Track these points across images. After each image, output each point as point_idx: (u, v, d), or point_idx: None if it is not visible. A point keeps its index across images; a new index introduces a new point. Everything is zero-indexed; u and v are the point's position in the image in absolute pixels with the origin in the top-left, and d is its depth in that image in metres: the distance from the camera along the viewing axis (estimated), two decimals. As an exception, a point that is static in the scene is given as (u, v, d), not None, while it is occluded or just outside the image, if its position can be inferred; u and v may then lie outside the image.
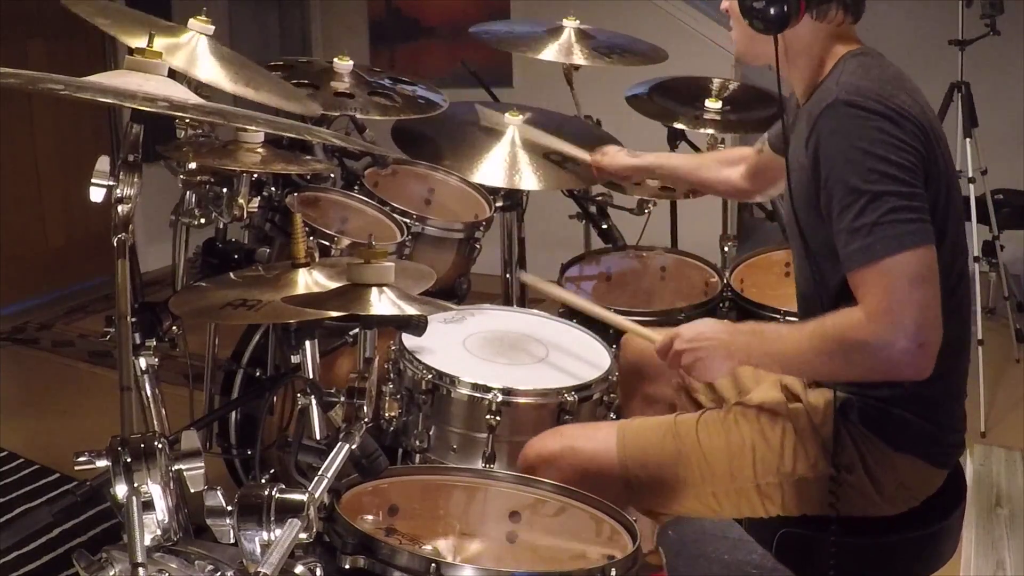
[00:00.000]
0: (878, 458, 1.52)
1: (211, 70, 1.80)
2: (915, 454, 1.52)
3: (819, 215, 1.46)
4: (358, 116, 2.28)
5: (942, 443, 1.56)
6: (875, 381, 1.47)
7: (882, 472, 1.52)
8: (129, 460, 1.02)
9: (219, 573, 1.20)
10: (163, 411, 1.71)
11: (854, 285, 1.38)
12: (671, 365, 1.59)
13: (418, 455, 1.82)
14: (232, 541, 1.12)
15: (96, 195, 1.13)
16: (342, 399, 1.37)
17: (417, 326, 1.50)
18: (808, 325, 1.43)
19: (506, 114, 2.42)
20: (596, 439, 1.64)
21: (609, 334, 2.16)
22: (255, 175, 1.94)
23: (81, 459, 1.06)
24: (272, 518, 1.11)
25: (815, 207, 1.46)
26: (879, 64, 1.48)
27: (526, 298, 2.75)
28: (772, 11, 1.43)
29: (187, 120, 1.94)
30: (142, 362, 1.62)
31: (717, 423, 1.62)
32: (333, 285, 1.49)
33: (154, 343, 1.63)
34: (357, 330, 1.57)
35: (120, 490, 1.03)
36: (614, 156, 2.27)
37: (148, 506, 1.05)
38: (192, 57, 1.79)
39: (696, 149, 2.75)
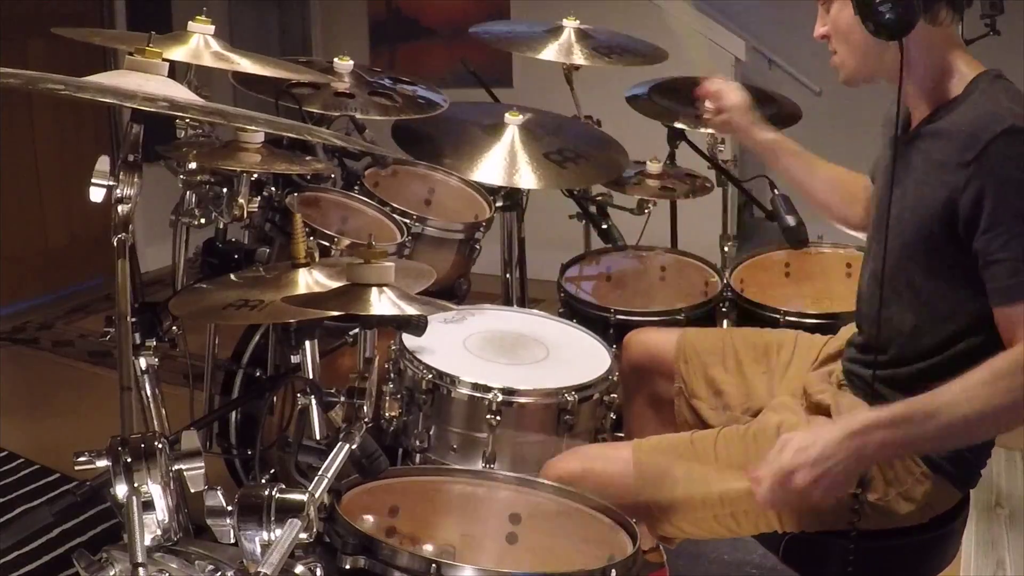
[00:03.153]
0: (916, 478, 1.49)
1: (243, 61, 1.82)
2: (948, 476, 1.50)
3: (951, 239, 1.39)
4: (358, 116, 2.28)
5: (974, 466, 1.54)
6: None
7: (914, 491, 1.49)
8: (129, 460, 1.03)
9: (219, 573, 1.20)
10: (163, 411, 1.71)
11: (1010, 318, 1.32)
12: (790, 499, 1.37)
13: (418, 455, 1.81)
14: (232, 541, 1.13)
15: (96, 195, 1.13)
16: (342, 399, 1.37)
17: (417, 326, 1.51)
18: (966, 377, 1.30)
19: (506, 114, 2.41)
20: (615, 461, 1.61)
21: (609, 334, 2.17)
22: (255, 175, 1.94)
23: (81, 459, 1.06)
24: (272, 518, 1.11)
25: (949, 232, 1.39)
26: (1013, 85, 1.44)
27: (526, 298, 2.75)
28: (890, 16, 1.36)
29: (187, 120, 1.94)
30: (142, 362, 1.62)
31: (736, 442, 1.59)
32: (333, 285, 1.49)
33: (154, 343, 1.63)
34: (357, 330, 1.57)
35: (120, 490, 1.03)
36: (744, 112, 1.93)
37: (148, 506, 1.05)
38: (219, 53, 1.80)
39: (696, 149, 2.74)
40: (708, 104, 2.00)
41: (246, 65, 1.82)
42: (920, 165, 1.47)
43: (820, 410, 1.60)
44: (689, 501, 1.57)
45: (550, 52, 2.52)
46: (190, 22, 1.85)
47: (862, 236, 1.82)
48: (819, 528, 1.55)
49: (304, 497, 1.12)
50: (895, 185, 1.48)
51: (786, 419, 1.59)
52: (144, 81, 1.19)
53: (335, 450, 1.28)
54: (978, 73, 1.45)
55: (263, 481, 1.33)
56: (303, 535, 1.11)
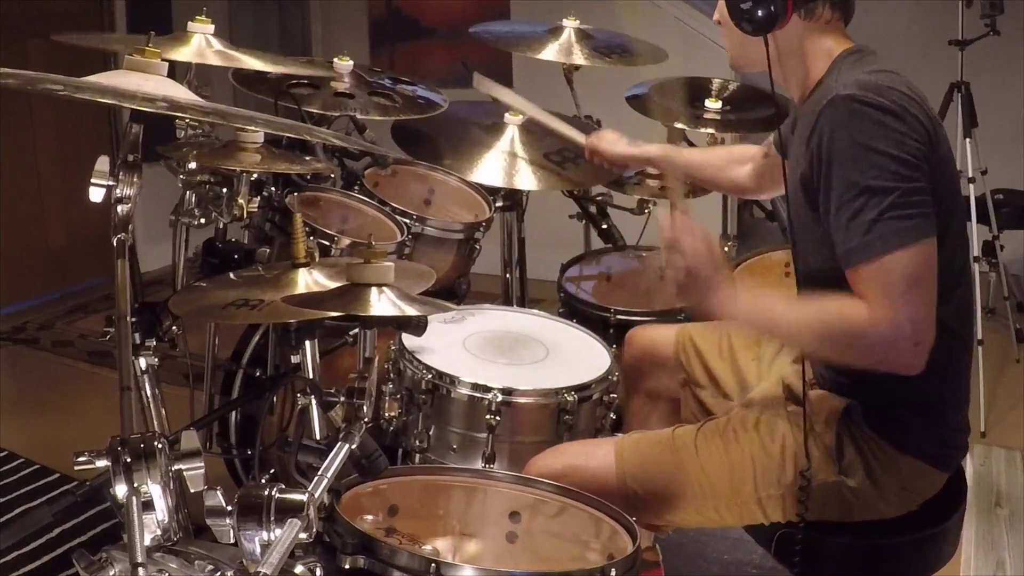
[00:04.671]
0: (882, 461, 1.51)
1: (247, 59, 1.84)
2: (919, 456, 1.52)
3: (815, 213, 1.45)
4: (358, 116, 2.28)
5: (947, 444, 1.55)
6: (866, 368, 1.43)
7: (885, 475, 1.51)
8: (129, 460, 1.03)
9: (219, 573, 1.20)
10: (163, 411, 1.71)
11: (853, 281, 1.37)
12: (669, 245, 1.51)
13: (418, 455, 1.82)
14: (232, 541, 1.12)
15: (96, 195, 1.13)
16: (342, 399, 1.37)
17: (417, 326, 1.51)
18: (811, 303, 1.42)
19: (506, 114, 2.41)
20: (596, 457, 1.63)
21: (609, 334, 2.17)
22: (255, 175, 1.94)
23: (81, 459, 1.05)
24: (272, 518, 1.11)
25: (812, 206, 1.46)
26: (876, 60, 1.49)
27: (526, 298, 2.75)
28: (760, 12, 1.44)
29: (187, 120, 1.94)
30: (142, 362, 1.62)
31: (716, 437, 1.61)
32: (333, 285, 1.49)
33: (154, 343, 1.63)
34: (357, 330, 1.57)
35: (120, 490, 1.03)
36: (611, 143, 2.22)
37: (148, 506, 1.05)
38: (223, 52, 1.81)
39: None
40: (595, 160, 2.25)
41: (250, 62, 1.82)
42: (793, 152, 1.56)
43: (797, 402, 1.61)
44: (672, 496, 1.59)
45: (550, 52, 2.52)
46: (190, 22, 1.85)
47: (764, 197, 2.13)
48: (797, 518, 1.56)
49: (304, 497, 1.12)
50: (786, 177, 1.56)
51: (764, 416, 1.61)
52: (143, 81, 1.19)
53: (335, 450, 1.28)
54: (839, 53, 1.50)
55: (263, 481, 1.33)
56: (303, 535, 1.11)
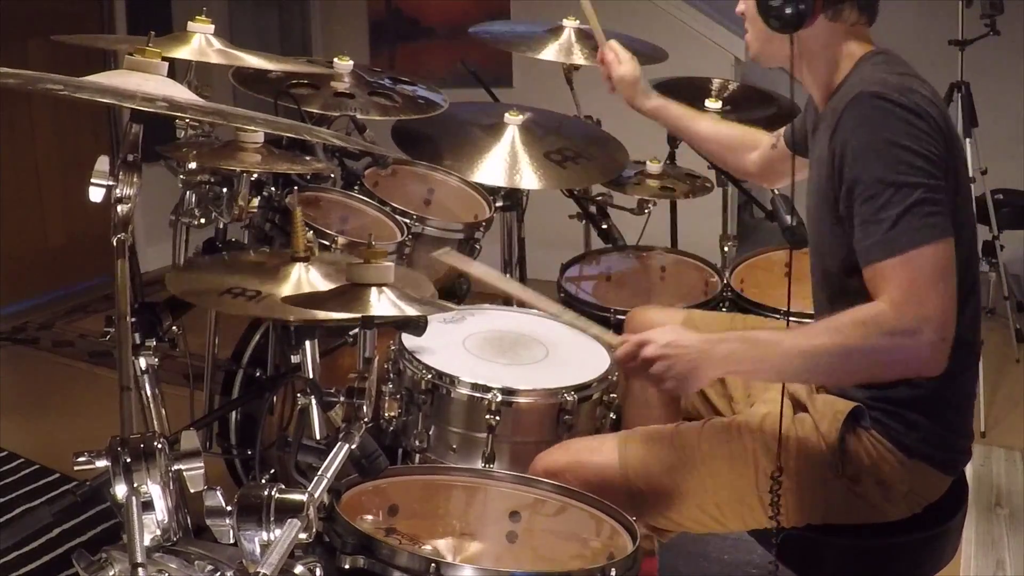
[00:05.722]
0: (889, 464, 1.50)
1: (248, 58, 1.84)
2: (926, 460, 1.51)
3: (835, 213, 1.44)
4: (358, 116, 2.28)
5: (953, 449, 1.55)
6: (888, 379, 1.42)
7: (891, 479, 1.51)
8: (129, 460, 1.03)
9: (219, 573, 1.20)
10: (163, 411, 1.71)
11: (874, 277, 1.35)
12: (634, 373, 1.48)
13: (418, 455, 1.82)
14: (232, 541, 1.12)
15: (96, 195, 1.13)
16: (342, 399, 1.37)
17: (417, 326, 1.51)
18: (816, 324, 1.39)
19: (506, 114, 2.41)
20: (601, 452, 1.63)
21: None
22: (255, 175, 1.95)
23: (81, 459, 1.06)
24: (272, 518, 1.11)
25: (832, 205, 1.45)
26: (899, 61, 1.49)
27: (526, 298, 2.75)
28: (788, 10, 1.44)
29: (187, 120, 1.94)
30: (142, 362, 1.62)
31: (720, 433, 1.61)
32: (333, 285, 1.49)
33: (154, 343, 1.63)
34: (357, 330, 1.57)
35: (120, 490, 1.03)
36: (630, 84, 2.14)
37: (148, 506, 1.05)
38: (223, 51, 1.81)
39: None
40: (602, 70, 2.19)
41: (252, 61, 1.82)
42: (816, 152, 1.56)
43: (800, 407, 1.60)
44: (674, 491, 1.58)
45: (550, 52, 2.52)
46: (190, 22, 1.85)
47: (764, 185, 2.05)
48: (803, 522, 1.56)
49: (303, 497, 1.12)
50: (803, 176, 1.57)
51: (772, 412, 1.60)
52: (143, 81, 1.19)
53: (335, 450, 1.28)
54: (863, 54, 1.51)
55: (263, 481, 1.33)
56: (302, 535, 1.11)
